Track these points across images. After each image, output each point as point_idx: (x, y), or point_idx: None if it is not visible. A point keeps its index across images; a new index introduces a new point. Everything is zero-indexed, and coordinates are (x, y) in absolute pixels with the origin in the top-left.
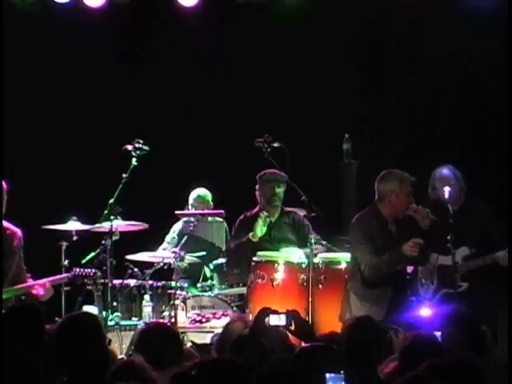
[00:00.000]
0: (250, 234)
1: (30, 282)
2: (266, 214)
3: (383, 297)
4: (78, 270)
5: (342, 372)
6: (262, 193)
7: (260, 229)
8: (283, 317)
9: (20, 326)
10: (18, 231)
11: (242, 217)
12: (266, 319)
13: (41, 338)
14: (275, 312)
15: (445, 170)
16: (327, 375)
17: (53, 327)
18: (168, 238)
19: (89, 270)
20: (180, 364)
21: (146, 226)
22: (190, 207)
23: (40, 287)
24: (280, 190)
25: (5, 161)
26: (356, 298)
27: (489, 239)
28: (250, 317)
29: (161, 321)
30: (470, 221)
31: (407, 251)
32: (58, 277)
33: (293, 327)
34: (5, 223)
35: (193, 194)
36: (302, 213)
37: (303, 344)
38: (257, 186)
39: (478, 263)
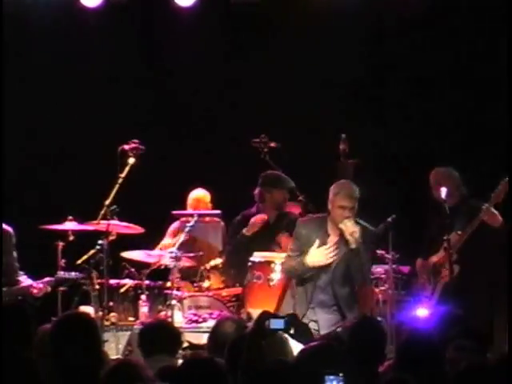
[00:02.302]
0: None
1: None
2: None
3: (304, 295)
4: (62, 273)
5: (341, 374)
6: (272, 197)
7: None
8: (283, 320)
9: (5, 327)
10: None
11: (239, 217)
12: (266, 322)
13: (28, 339)
14: (275, 316)
15: (439, 170)
16: (326, 377)
17: (48, 327)
18: (165, 238)
19: (73, 273)
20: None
21: (141, 230)
22: (188, 208)
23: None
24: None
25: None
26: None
27: None
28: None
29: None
30: (460, 213)
31: (314, 260)
32: (43, 281)
33: (292, 331)
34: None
35: (192, 195)
36: (297, 210)
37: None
38: (264, 188)
39: (472, 226)
